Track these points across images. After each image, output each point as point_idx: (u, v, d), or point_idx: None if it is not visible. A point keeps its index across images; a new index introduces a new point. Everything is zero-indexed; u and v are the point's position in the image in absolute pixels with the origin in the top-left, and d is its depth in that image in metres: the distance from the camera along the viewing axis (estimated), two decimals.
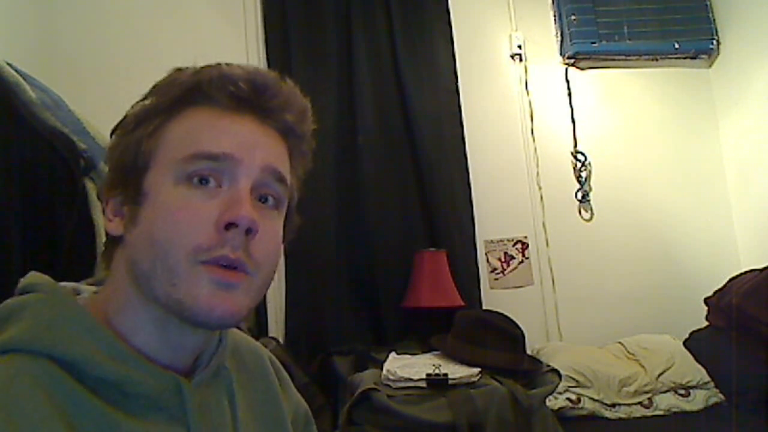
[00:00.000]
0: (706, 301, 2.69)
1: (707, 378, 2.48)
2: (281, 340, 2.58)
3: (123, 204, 0.62)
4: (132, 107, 0.65)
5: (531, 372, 2.11)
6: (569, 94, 3.15)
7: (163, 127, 0.62)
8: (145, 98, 0.65)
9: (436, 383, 1.93)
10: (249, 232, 0.59)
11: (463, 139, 2.94)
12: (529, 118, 3.09)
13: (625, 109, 3.20)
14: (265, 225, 0.61)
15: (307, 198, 2.62)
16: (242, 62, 2.39)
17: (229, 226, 0.58)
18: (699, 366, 2.51)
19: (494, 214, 2.98)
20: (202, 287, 0.57)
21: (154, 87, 0.65)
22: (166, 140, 0.61)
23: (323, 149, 2.76)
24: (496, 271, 2.96)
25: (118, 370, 0.56)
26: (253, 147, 0.62)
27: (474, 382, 1.96)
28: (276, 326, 2.67)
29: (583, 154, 3.09)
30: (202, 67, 0.66)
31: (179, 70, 0.66)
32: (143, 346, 0.60)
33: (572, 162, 3.10)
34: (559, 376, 2.10)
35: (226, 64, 0.66)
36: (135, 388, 0.57)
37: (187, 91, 0.63)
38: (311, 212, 2.69)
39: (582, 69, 3.19)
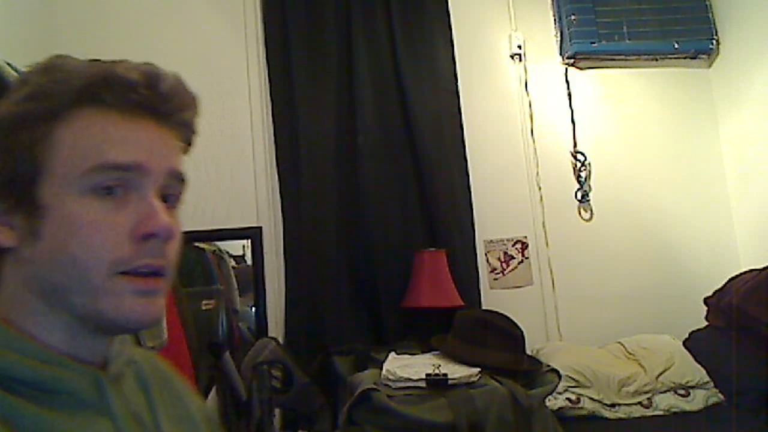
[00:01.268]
0: (706, 301, 2.69)
1: (707, 378, 2.48)
2: (281, 340, 2.58)
3: (9, 213, 0.58)
4: (3, 105, 0.60)
5: (531, 372, 2.12)
6: (569, 94, 3.15)
7: (54, 132, 0.58)
8: (21, 95, 0.59)
9: (436, 383, 1.94)
10: (167, 239, 0.60)
11: (463, 139, 2.94)
12: (529, 119, 3.09)
13: (624, 109, 3.20)
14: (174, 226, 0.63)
15: (307, 198, 2.62)
16: (242, 62, 2.37)
17: (148, 236, 0.58)
18: (699, 366, 2.52)
19: (494, 214, 2.98)
20: (124, 298, 0.58)
21: (32, 84, 0.59)
22: (60, 147, 0.58)
23: (323, 149, 2.76)
24: (496, 271, 2.96)
25: (35, 369, 0.56)
26: (158, 153, 0.62)
27: (474, 382, 1.96)
28: (276, 326, 2.68)
29: (582, 154, 3.09)
30: (90, 65, 0.61)
31: (61, 67, 0.60)
32: (57, 345, 0.60)
33: (572, 162, 3.10)
34: (559, 376, 2.10)
35: (117, 61, 0.63)
36: (55, 385, 0.57)
37: (77, 93, 0.59)
38: (311, 212, 2.70)
39: (582, 69, 3.19)
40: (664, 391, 2.45)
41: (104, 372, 0.62)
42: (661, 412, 2.38)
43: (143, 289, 0.59)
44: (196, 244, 2.66)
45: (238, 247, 2.77)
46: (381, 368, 2.06)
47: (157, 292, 0.61)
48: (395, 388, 1.94)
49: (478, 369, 2.01)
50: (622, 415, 2.37)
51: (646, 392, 2.43)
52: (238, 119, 2.83)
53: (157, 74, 0.62)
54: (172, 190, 0.64)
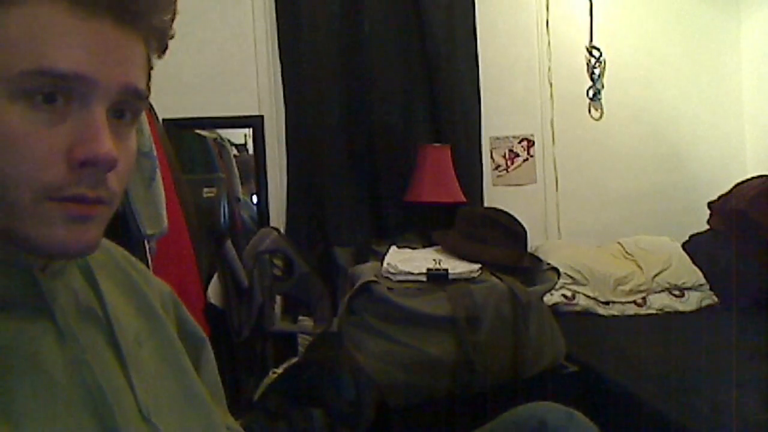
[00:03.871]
0: (710, 204, 2.68)
1: (703, 280, 2.51)
2: (282, 230, 2.59)
3: None
4: None
5: (531, 269, 2.13)
6: None
7: None
8: None
9: (436, 278, 1.95)
10: (109, 168, 0.52)
11: (474, 30, 2.81)
12: (545, 8, 2.93)
13: (645, 3, 3.04)
14: (124, 148, 0.54)
15: (310, 87, 2.52)
16: None
17: (85, 163, 0.50)
18: (696, 268, 2.55)
19: (502, 110, 2.90)
20: (55, 226, 0.51)
21: None
22: None
23: (327, 36, 2.64)
24: (500, 168, 2.92)
25: None
26: (112, 63, 0.51)
27: (474, 278, 1.98)
28: (277, 216, 2.68)
29: (598, 49, 2.96)
30: None
31: None
32: None
33: (586, 57, 2.97)
34: (558, 274, 2.12)
35: None
36: None
37: None
38: (313, 102, 2.62)
39: None
40: (659, 291, 2.49)
41: (42, 271, 0.56)
42: (654, 311, 2.44)
43: (77, 215, 0.51)
44: (198, 131, 2.61)
45: (240, 135, 2.72)
46: (381, 261, 2.07)
47: (93, 218, 0.53)
48: (395, 281, 1.96)
49: (479, 265, 2.02)
50: (616, 313, 2.42)
51: (641, 291, 2.48)
52: (239, 3, 2.68)
53: None
54: (127, 106, 0.54)
